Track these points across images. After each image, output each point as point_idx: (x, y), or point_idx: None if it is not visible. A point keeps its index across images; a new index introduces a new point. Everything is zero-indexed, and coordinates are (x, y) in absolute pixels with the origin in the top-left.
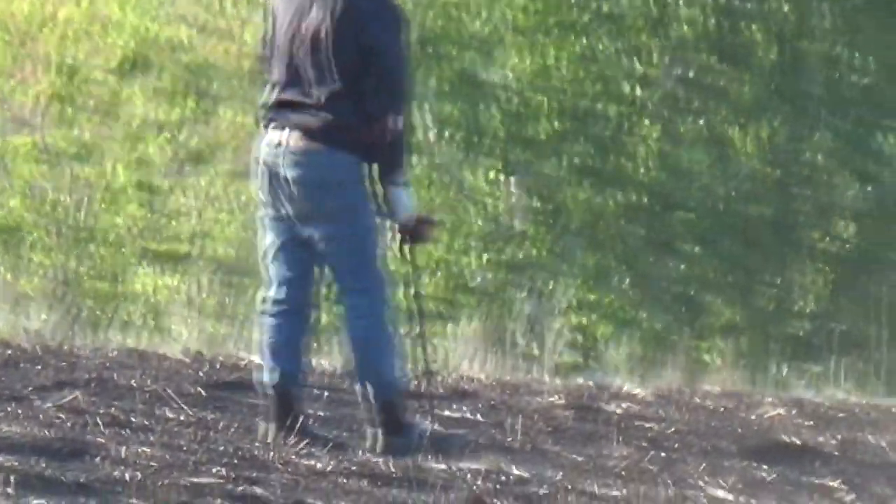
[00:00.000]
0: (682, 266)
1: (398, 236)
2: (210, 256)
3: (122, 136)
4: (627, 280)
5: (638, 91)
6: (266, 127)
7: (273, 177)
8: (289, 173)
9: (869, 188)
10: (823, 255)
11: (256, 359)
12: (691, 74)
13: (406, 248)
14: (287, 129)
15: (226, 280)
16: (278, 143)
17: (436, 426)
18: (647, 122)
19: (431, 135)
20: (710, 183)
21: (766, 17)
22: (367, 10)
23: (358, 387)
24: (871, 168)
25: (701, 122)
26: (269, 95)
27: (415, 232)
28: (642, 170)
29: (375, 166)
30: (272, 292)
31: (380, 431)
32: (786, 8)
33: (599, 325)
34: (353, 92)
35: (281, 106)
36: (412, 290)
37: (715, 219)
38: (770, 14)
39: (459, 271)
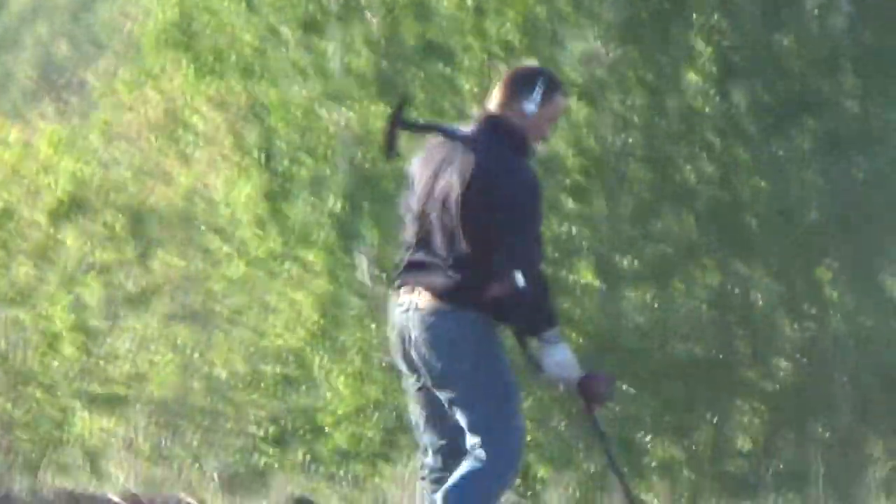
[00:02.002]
0: (618, 406)
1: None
2: (147, 399)
3: (58, 279)
4: (564, 421)
5: (573, 230)
6: (397, 289)
7: (405, 340)
8: (418, 335)
9: (806, 326)
10: (761, 394)
11: (193, 501)
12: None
13: (586, 411)
14: (416, 291)
15: (162, 422)
16: (408, 305)
17: None
18: (583, 261)
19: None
20: (647, 322)
21: (699, 158)
22: (499, 171)
23: None
24: (808, 307)
25: (636, 262)
26: (401, 257)
27: (586, 393)
28: (578, 310)
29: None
30: (429, 460)
31: None
32: (718, 145)
33: (538, 466)
34: (481, 252)
35: (411, 267)
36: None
37: (651, 358)
38: (709, 153)
39: (396, 411)
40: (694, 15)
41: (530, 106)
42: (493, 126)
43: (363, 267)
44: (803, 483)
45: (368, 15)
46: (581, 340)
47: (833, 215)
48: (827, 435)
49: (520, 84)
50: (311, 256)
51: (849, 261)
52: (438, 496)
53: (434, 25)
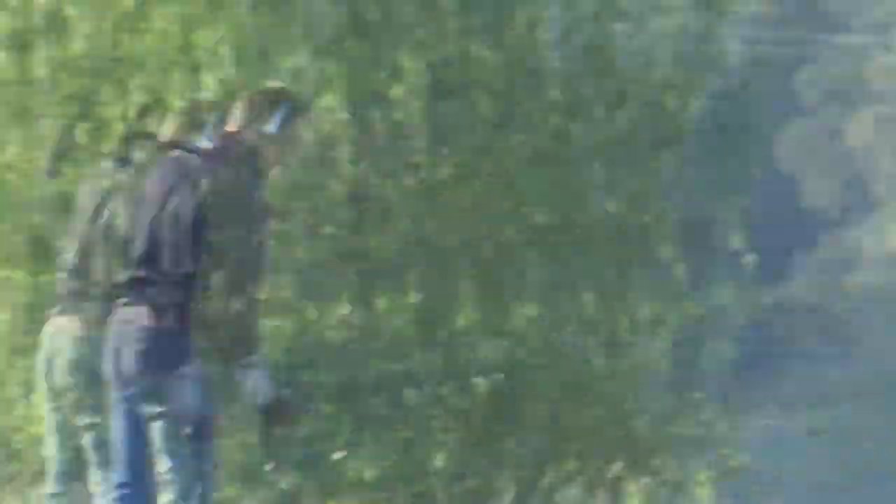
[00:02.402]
0: (313, 424)
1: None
2: None
3: None
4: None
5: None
6: (117, 305)
7: (119, 355)
8: (133, 350)
9: (502, 344)
10: (456, 411)
11: None
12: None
13: (267, 434)
14: (137, 307)
15: None
16: (126, 320)
17: None
18: (284, 279)
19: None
20: (346, 340)
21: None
22: (231, 193)
23: None
24: (506, 324)
25: (337, 280)
26: (125, 272)
27: (274, 417)
28: (278, 327)
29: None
30: (119, 476)
31: None
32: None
33: (227, 485)
34: (204, 272)
35: (135, 283)
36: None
37: (349, 376)
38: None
39: None
40: (401, 29)
41: (269, 128)
42: (231, 146)
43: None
44: (495, 501)
45: (72, 30)
46: (280, 357)
47: (534, 232)
48: (520, 454)
49: (261, 105)
50: (7, 273)
51: (546, 277)
52: None
53: (141, 39)
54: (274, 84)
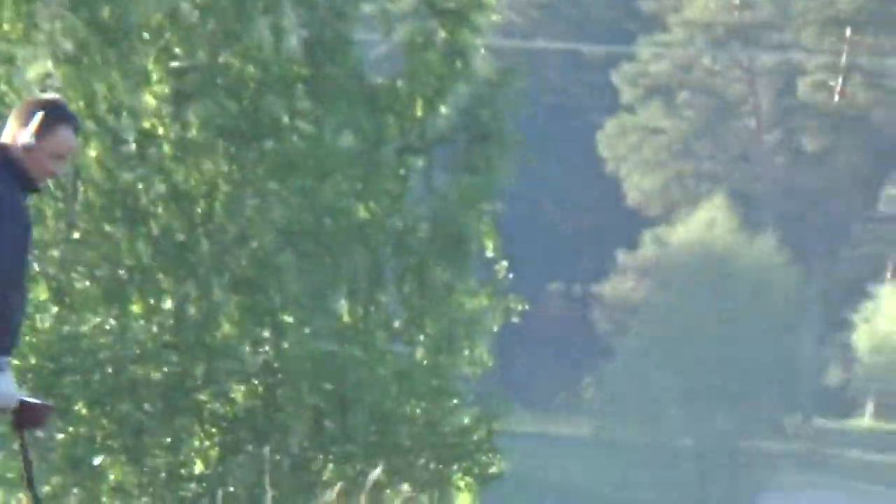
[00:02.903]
0: (71, 427)
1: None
2: None
3: None
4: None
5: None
6: None
7: None
8: None
9: (260, 353)
10: (213, 417)
11: None
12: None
13: (19, 435)
14: None
15: None
16: None
17: None
18: (38, 282)
19: None
20: (102, 344)
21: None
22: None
23: None
24: (264, 330)
25: (91, 284)
26: None
27: (21, 420)
28: (32, 331)
29: None
30: None
31: None
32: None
33: None
34: None
35: None
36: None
37: (106, 380)
38: (164, 175)
39: None
40: (146, 36)
41: (27, 138)
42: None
43: None
44: None
45: None
46: (34, 361)
47: (288, 239)
48: (278, 458)
49: (22, 115)
50: None
51: (304, 285)
52: None
53: None
54: (45, 95)
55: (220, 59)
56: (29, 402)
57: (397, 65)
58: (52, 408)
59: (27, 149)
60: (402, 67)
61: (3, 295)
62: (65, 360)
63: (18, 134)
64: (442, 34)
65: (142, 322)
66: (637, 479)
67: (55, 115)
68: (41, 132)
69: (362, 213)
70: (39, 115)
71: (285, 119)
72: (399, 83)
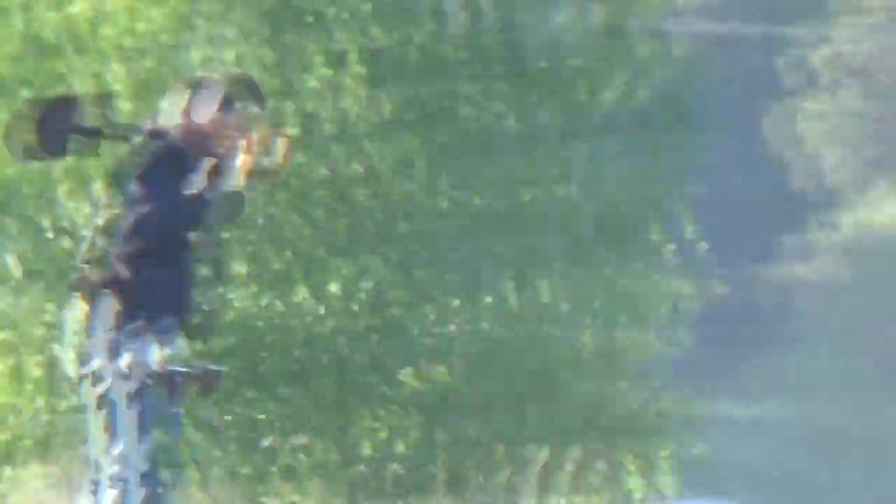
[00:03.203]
0: (242, 410)
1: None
2: None
3: None
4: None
5: None
6: None
7: None
8: None
9: (428, 337)
10: (384, 399)
11: None
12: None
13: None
14: None
15: None
16: None
17: None
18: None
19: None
20: (272, 326)
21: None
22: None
23: None
24: (431, 318)
25: (254, 265)
26: None
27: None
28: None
29: None
30: None
31: None
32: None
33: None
34: None
35: None
36: None
37: (276, 362)
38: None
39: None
40: (343, 16)
41: (204, 114)
42: (153, 140)
43: (12, 263)
44: (426, 489)
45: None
46: (202, 345)
47: (486, 216)
48: (451, 440)
49: (184, 94)
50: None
51: (470, 268)
52: None
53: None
54: (231, 71)
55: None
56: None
57: (564, 47)
58: (220, 372)
59: (206, 124)
60: (569, 50)
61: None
62: (237, 342)
63: (194, 110)
64: (603, 16)
65: (312, 303)
66: (839, 463)
67: (237, 88)
68: (221, 108)
69: (527, 196)
70: (218, 89)
71: (470, 99)
72: (566, 65)
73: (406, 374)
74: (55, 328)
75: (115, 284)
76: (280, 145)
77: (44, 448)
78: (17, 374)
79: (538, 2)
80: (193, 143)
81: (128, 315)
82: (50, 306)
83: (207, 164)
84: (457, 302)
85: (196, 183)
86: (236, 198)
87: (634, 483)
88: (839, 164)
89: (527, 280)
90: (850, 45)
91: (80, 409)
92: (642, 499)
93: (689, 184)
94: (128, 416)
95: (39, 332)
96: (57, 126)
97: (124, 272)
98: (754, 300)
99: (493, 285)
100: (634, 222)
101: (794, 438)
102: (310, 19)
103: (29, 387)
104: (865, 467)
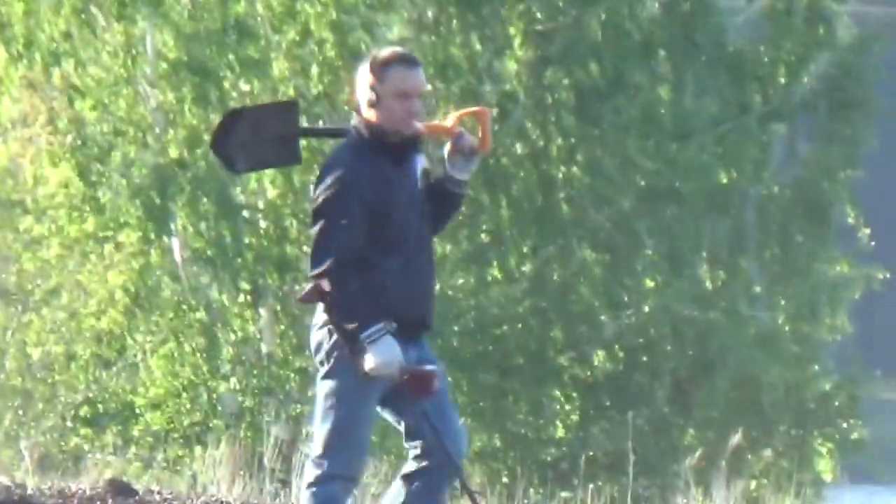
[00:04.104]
0: None
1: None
2: None
3: None
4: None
5: None
6: None
7: None
8: None
9: (621, 318)
10: (574, 383)
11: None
12: None
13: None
14: None
15: None
16: None
17: None
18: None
19: (179, 256)
20: (465, 309)
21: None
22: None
23: None
24: (625, 298)
25: (451, 248)
26: None
27: (408, 387)
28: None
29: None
30: None
31: None
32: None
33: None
34: None
35: None
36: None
37: (468, 345)
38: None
39: (209, 394)
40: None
41: (366, 95)
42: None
43: (175, 249)
44: (616, 471)
45: None
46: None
47: (649, 201)
48: (640, 423)
49: (355, 79)
50: (122, 237)
51: (665, 249)
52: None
53: (241, 7)
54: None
55: (580, 23)
56: (414, 369)
57: (758, 31)
58: (435, 373)
59: (371, 104)
60: (764, 34)
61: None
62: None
63: (360, 99)
64: (803, 0)
65: (502, 287)
66: None
67: (381, 60)
68: (374, 83)
69: (723, 178)
70: (366, 68)
71: (643, 82)
72: (761, 49)
73: (599, 357)
74: (250, 307)
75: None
76: (481, 123)
77: (235, 427)
78: (210, 353)
79: None
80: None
81: (375, 318)
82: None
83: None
84: (651, 283)
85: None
86: (461, 183)
87: (826, 465)
88: None
89: (722, 261)
90: None
91: (270, 391)
92: (833, 481)
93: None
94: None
95: (234, 309)
96: (274, 133)
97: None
98: None
99: (689, 265)
100: (829, 205)
101: None
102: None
103: (225, 367)
104: None
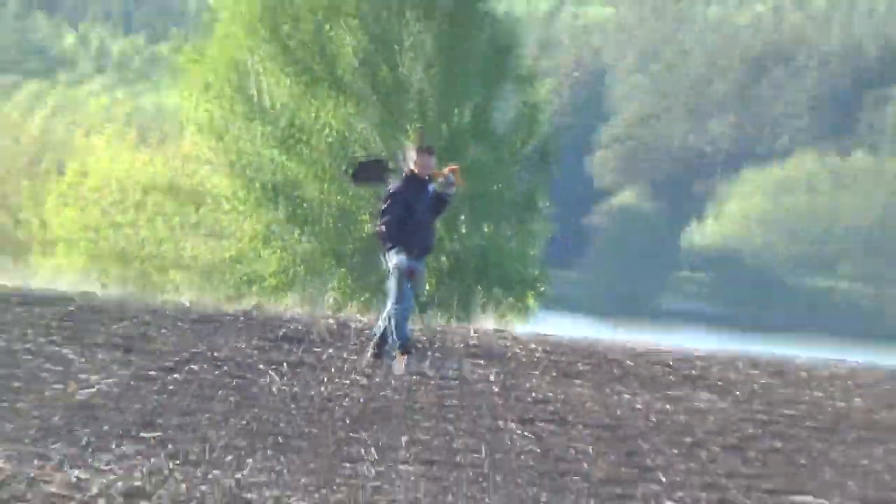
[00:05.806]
0: None
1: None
2: None
3: None
4: None
5: None
6: None
7: None
8: None
9: None
10: None
11: None
12: None
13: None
14: None
15: None
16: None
17: None
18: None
19: None
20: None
21: None
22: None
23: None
24: None
25: None
26: None
27: (408, 274)
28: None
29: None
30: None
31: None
32: None
33: None
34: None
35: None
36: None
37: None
38: None
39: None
40: None
41: (410, 163)
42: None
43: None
44: None
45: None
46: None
47: None
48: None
49: (411, 155)
50: None
51: None
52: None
53: None
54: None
55: None
56: (411, 265)
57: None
58: (419, 268)
59: (413, 162)
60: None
61: (392, 224)
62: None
63: (410, 161)
64: None
65: None
66: None
67: (417, 149)
68: (415, 156)
69: None
70: (412, 153)
71: None
72: None
73: None
74: None
75: (394, 233)
76: (454, 174)
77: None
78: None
79: None
80: (421, 174)
81: (401, 246)
82: None
83: (434, 183)
84: None
85: (428, 193)
86: (447, 196)
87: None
88: None
89: None
90: None
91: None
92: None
93: None
94: (400, 282)
95: None
96: (377, 168)
97: (397, 229)
98: None
99: None
100: None
101: None
102: None
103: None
104: None
